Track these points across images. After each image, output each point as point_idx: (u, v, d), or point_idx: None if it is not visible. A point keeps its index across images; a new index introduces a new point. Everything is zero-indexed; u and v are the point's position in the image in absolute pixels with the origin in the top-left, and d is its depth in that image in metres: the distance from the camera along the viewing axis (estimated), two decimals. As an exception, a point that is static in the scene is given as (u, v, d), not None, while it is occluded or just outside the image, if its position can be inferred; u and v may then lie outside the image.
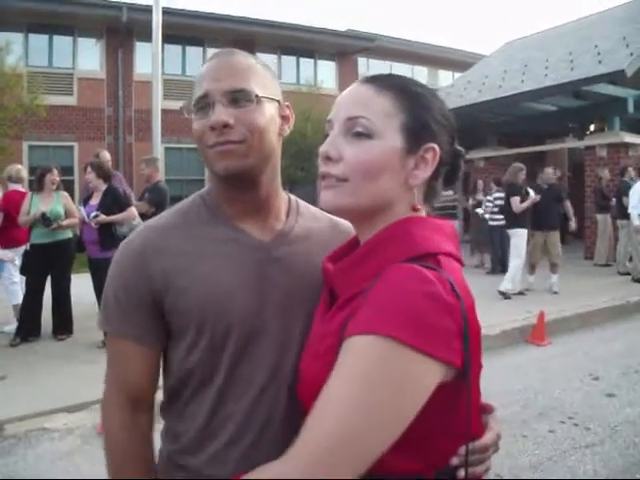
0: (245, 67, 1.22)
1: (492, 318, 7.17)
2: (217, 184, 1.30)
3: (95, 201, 6.60)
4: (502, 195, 11.38)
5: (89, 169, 6.67)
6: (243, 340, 1.22)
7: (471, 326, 0.96)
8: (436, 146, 1.07)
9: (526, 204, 9.24)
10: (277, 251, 1.28)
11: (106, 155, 8.21)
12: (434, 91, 1.14)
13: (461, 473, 1.04)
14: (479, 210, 12.18)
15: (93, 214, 6.33)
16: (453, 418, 1.02)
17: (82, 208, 6.60)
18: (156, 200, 7.11)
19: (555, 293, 9.33)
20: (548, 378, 5.57)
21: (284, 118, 1.30)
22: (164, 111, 10.66)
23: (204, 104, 1.19)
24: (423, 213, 1.12)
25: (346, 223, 1.31)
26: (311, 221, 1.38)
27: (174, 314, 1.22)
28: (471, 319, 0.97)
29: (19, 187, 7.19)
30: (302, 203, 1.43)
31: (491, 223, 11.55)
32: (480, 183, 13.00)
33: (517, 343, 6.84)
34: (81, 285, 7.64)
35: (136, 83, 17.44)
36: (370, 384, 0.90)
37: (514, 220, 9.35)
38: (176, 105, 15.86)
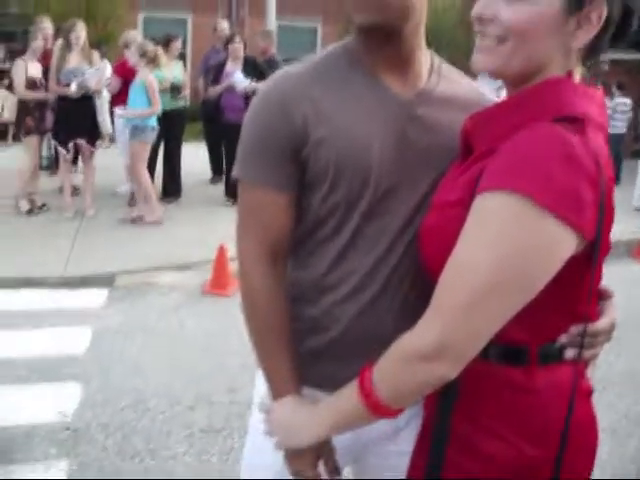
0: None
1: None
2: (357, 34, 1.24)
3: (232, 69, 6.94)
4: (625, 100, 10.69)
5: (238, 39, 7.08)
6: (377, 197, 1.20)
7: (607, 200, 0.94)
8: (603, 5, 0.98)
9: None
10: (418, 109, 1.22)
11: (224, 25, 8.51)
12: None
13: (569, 353, 1.04)
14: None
15: (248, 81, 6.67)
16: (570, 295, 1.01)
17: (239, 74, 6.83)
18: (271, 73, 7.16)
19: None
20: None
21: None
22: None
23: None
24: (577, 77, 1.06)
25: None
26: (454, 84, 1.31)
27: (311, 163, 1.20)
28: (609, 193, 0.94)
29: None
30: (446, 65, 1.34)
31: (609, 131, 10.92)
32: (599, 88, 12.18)
33: (621, 257, 6.62)
34: (190, 154, 7.91)
35: (253, -44, 17.01)
36: (504, 247, 0.89)
37: None
38: (291, -19, 15.44)
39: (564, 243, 0.90)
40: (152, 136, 6.35)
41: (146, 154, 6.34)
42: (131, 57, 6.61)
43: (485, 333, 0.93)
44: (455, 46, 10.81)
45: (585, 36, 1.01)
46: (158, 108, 6.28)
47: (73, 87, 6.12)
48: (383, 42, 1.19)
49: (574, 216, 0.88)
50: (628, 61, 14.00)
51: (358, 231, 1.22)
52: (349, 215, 1.21)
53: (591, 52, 1.06)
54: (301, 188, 1.23)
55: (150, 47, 6.37)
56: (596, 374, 3.51)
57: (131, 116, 6.30)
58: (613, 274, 5.90)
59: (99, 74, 6.48)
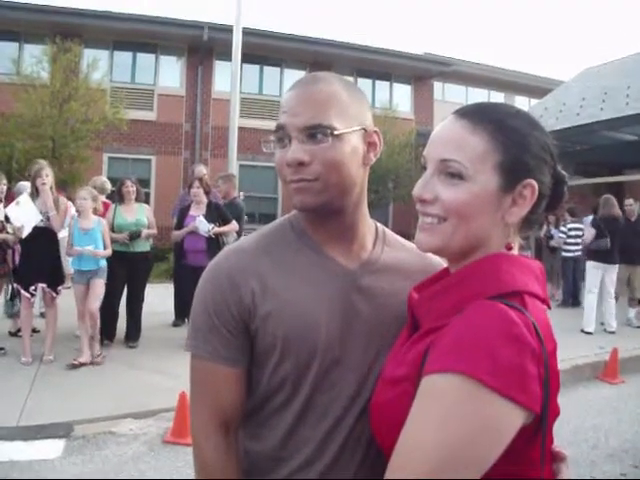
0: (325, 98, 1.18)
1: (563, 353, 6.86)
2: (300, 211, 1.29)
3: (196, 212, 6.98)
4: (578, 226, 11.00)
5: (197, 184, 7.10)
6: (324, 368, 1.22)
7: (551, 372, 0.95)
8: (534, 182, 1.05)
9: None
10: (363, 280, 1.27)
11: (202, 170, 8.55)
12: (533, 120, 1.11)
13: None
14: (559, 236, 11.52)
15: (211, 226, 6.77)
16: (523, 463, 0.99)
17: (201, 219, 6.87)
18: (232, 216, 7.29)
19: (638, 327, 9.14)
20: (620, 419, 5.36)
21: (371, 145, 1.25)
22: (240, 129, 10.91)
23: (282, 135, 1.20)
24: (515, 249, 1.11)
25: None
26: (398, 251, 1.36)
27: (260, 337, 1.22)
28: (552, 364, 0.96)
29: (103, 198, 7.44)
30: (389, 232, 1.41)
31: (564, 254, 11.21)
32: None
33: (588, 380, 6.61)
34: (153, 295, 7.83)
35: (214, 100, 17.80)
36: (453, 428, 0.89)
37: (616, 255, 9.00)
38: (252, 123, 16.14)
39: (512, 420, 0.91)
40: (105, 275, 6.37)
41: (101, 293, 6.30)
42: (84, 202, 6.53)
43: None
44: (412, 183, 11.35)
45: (520, 211, 1.07)
46: (109, 251, 6.34)
47: (16, 223, 6.07)
48: (325, 218, 1.25)
49: (521, 394, 0.89)
50: (577, 186, 14.66)
51: (308, 402, 1.23)
52: (298, 387, 1.23)
53: (528, 224, 1.12)
54: (251, 361, 1.25)
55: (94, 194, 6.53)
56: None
57: (79, 254, 6.26)
58: (582, 397, 5.90)
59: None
